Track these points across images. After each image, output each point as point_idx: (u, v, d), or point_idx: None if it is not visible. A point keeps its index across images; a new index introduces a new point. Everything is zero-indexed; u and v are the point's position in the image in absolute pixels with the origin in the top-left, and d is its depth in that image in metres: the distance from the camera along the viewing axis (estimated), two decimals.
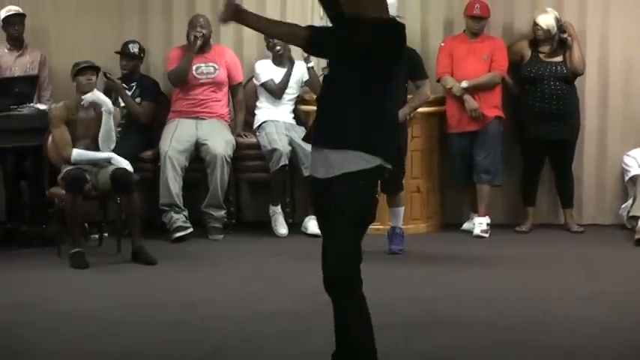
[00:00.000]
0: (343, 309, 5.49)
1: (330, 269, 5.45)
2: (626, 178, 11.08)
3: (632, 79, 11.44)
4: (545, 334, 7.32)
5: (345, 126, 5.53)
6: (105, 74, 10.39)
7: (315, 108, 10.50)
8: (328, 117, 5.63)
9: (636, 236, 10.36)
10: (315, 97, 11.00)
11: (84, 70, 9.80)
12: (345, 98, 5.56)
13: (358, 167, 5.49)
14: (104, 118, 9.71)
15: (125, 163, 9.78)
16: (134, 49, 11.01)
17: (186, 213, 10.73)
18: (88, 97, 9.71)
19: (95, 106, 9.73)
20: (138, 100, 10.93)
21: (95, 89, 9.80)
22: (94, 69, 9.88)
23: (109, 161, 9.74)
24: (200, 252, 10.23)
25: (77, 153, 9.65)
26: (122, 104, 10.54)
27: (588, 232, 11.09)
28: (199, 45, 10.79)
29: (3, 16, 11.01)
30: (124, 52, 10.97)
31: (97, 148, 9.74)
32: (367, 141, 5.55)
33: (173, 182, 10.61)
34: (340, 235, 5.49)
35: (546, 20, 10.90)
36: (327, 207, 5.55)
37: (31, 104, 10.60)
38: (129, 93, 10.84)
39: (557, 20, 10.95)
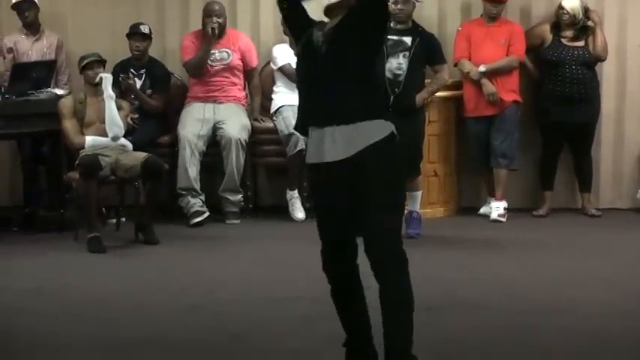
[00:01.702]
0: (395, 292, 5.51)
1: (386, 250, 5.51)
2: None
3: None
4: (561, 319, 7.31)
5: (356, 98, 5.48)
6: (120, 76, 10.47)
7: None
8: (332, 93, 5.52)
9: None
10: None
11: (91, 63, 9.97)
12: (348, 73, 5.50)
13: (385, 133, 5.51)
14: (106, 103, 9.85)
15: (131, 149, 9.98)
16: (145, 29, 11.04)
17: (203, 197, 10.81)
18: (105, 76, 9.93)
19: (102, 88, 9.87)
20: (149, 91, 10.99)
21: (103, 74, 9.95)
22: (101, 62, 10.04)
23: (122, 147, 9.89)
24: (217, 236, 10.30)
25: (91, 140, 9.79)
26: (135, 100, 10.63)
27: (606, 217, 11.13)
28: (216, 35, 10.88)
29: (13, 2, 11.09)
30: (136, 33, 11.00)
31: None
32: (380, 108, 5.64)
33: (191, 166, 10.71)
34: (392, 212, 5.53)
35: (572, 4, 10.92)
36: (357, 187, 5.44)
37: (49, 89, 10.66)
38: (139, 82, 10.92)
39: (583, 5, 11.03)
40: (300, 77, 5.97)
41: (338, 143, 5.45)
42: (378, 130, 5.47)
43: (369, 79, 5.59)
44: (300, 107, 5.82)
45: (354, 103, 5.47)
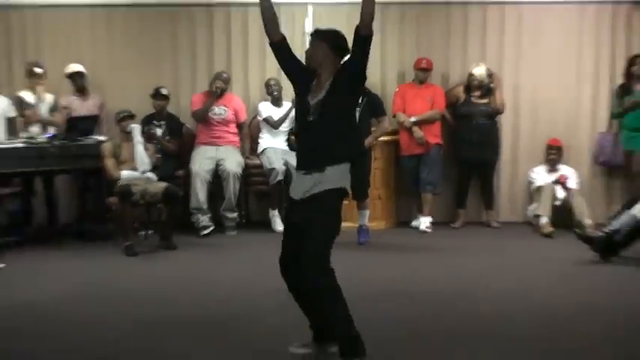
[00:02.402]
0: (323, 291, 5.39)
1: (310, 262, 5.38)
2: (532, 188, 11.20)
3: (537, 117, 11.62)
4: (472, 303, 7.38)
5: (333, 148, 5.49)
6: (146, 127, 10.47)
7: None
8: (316, 149, 5.54)
9: (543, 231, 10.47)
10: None
11: (124, 117, 10.06)
12: (331, 133, 5.49)
13: (337, 185, 5.48)
14: (136, 147, 9.94)
15: (155, 180, 9.98)
16: (164, 91, 11.09)
17: (209, 215, 10.85)
18: (134, 126, 10.01)
19: (132, 135, 9.93)
20: (167, 137, 10.99)
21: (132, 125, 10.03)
22: (131, 116, 10.12)
23: (148, 178, 9.93)
24: (219, 244, 10.36)
25: (125, 173, 9.85)
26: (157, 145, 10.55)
27: (504, 228, 11.25)
28: (218, 94, 10.95)
29: (68, 73, 11.15)
30: (157, 94, 11.05)
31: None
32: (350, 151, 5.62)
33: (201, 192, 10.78)
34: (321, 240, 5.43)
35: (480, 72, 11.08)
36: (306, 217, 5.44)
37: (94, 136, 10.68)
38: (160, 131, 10.87)
39: (488, 71, 11.13)
40: (296, 129, 6.05)
41: (302, 186, 5.54)
42: (334, 180, 5.47)
43: (348, 128, 5.59)
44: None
45: (330, 152, 5.50)
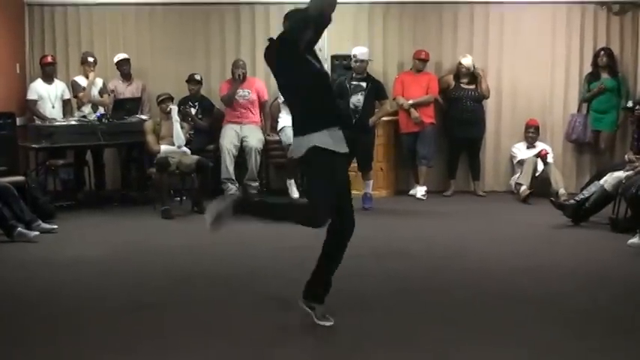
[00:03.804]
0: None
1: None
2: (515, 162, 11.10)
3: (516, 100, 11.51)
4: (462, 261, 7.35)
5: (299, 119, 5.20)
6: (181, 108, 10.40)
7: None
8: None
9: (522, 196, 10.41)
10: None
11: (164, 99, 9.98)
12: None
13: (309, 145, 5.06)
14: (173, 124, 9.84)
15: (189, 153, 9.91)
16: (198, 77, 11.01)
17: (237, 185, 10.73)
18: (173, 107, 9.93)
19: (171, 115, 9.84)
20: (200, 116, 10.90)
21: (172, 106, 9.94)
22: (170, 99, 10.03)
23: (183, 152, 9.83)
24: None
25: (163, 147, 9.78)
26: (191, 122, 10.52)
27: (489, 196, 11.10)
28: (241, 80, 10.79)
29: (115, 61, 11.07)
30: (192, 79, 10.97)
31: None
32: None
33: (229, 164, 10.67)
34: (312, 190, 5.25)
35: (467, 62, 11.01)
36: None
37: (137, 115, 10.66)
38: (194, 111, 10.83)
39: (473, 63, 11.05)
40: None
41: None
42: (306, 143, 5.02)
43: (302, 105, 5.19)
44: None
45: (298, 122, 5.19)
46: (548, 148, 10.97)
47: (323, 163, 5.02)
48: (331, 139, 5.03)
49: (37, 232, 8.38)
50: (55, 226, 8.77)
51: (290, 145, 10.46)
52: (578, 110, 11.32)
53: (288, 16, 5.17)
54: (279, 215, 5.29)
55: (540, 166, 10.71)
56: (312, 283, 5.28)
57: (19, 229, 8.26)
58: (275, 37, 5.15)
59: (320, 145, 4.99)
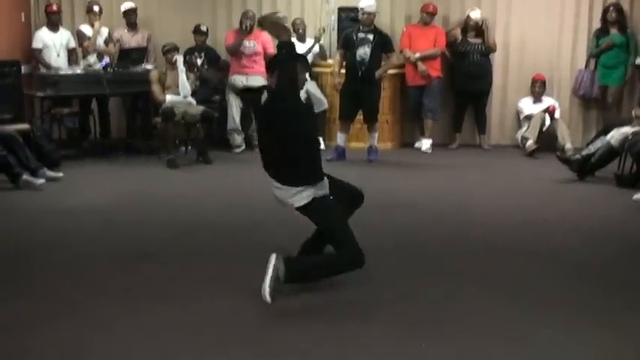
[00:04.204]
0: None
1: None
2: (521, 116, 10.99)
3: (524, 54, 11.37)
4: (467, 214, 7.35)
5: None
6: (187, 57, 10.33)
7: (322, 70, 10.47)
8: None
9: (528, 150, 10.34)
10: (322, 62, 11.08)
11: (170, 50, 9.89)
12: None
13: None
14: (179, 74, 9.77)
15: (194, 104, 9.82)
16: (204, 28, 10.91)
17: (243, 135, 10.69)
18: (179, 57, 9.85)
19: (177, 65, 9.78)
20: (206, 67, 10.80)
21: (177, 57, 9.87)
22: (176, 49, 9.94)
23: (188, 102, 9.75)
24: (249, 159, 9.96)
25: (169, 97, 9.69)
26: (197, 72, 10.41)
27: (494, 150, 11.02)
28: (247, 31, 10.68)
29: (122, 10, 10.96)
30: (198, 30, 10.88)
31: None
32: None
33: (236, 115, 10.60)
34: None
35: (476, 15, 10.89)
36: None
37: (142, 65, 10.58)
38: (200, 61, 10.71)
39: (481, 16, 10.93)
40: None
41: None
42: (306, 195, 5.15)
43: None
44: None
45: None
46: (556, 104, 10.86)
47: (328, 207, 5.11)
48: (324, 186, 5.15)
49: (42, 180, 8.37)
50: (60, 174, 8.75)
51: None
52: (586, 66, 11.19)
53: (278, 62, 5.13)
54: (327, 273, 5.12)
55: (548, 121, 10.62)
56: (302, 262, 5.21)
57: (25, 176, 8.25)
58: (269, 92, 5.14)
59: (319, 196, 5.08)
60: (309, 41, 10.96)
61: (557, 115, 10.65)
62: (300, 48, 10.91)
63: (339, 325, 4.55)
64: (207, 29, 10.97)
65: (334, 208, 5.14)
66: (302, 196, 5.08)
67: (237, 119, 10.64)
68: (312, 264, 5.13)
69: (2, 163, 8.20)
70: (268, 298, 4.78)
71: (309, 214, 5.13)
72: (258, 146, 5.38)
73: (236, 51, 10.66)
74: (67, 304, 4.86)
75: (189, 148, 10.30)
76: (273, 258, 4.90)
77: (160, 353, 4.18)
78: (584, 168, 8.86)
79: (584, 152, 8.98)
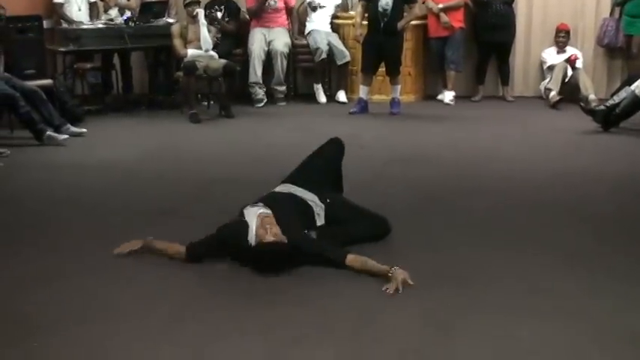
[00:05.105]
0: None
1: None
2: (545, 67, 10.85)
3: (548, 4, 11.14)
4: (490, 166, 7.30)
5: None
6: (208, 10, 10.28)
7: (344, 22, 10.37)
8: None
9: (551, 101, 10.24)
10: (343, 13, 10.99)
11: (190, 3, 9.80)
12: None
13: None
14: (200, 28, 9.68)
15: (216, 57, 9.77)
16: None
17: (265, 89, 10.64)
18: (200, 10, 9.77)
19: (198, 18, 9.69)
20: (227, 20, 10.70)
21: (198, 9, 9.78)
22: (197, 2, 9.85)
23: (210, 56, 9.70)
24: (271, 113, 10.16)
25: (191, 51, 9.63)
26: (218, 26, 10.34)
27: (518, 101, 10.89)
28: None
29: None
30: None
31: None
32: None
33: (258, 68, 10.52)
34: None
35: None
36: None
37: (164, 19, 10.51)
38: (220, 14, 10.59)
39: None
40: None
41: None
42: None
43: None
44: None
45: None
46: (579, 54, 10.73)
47: (336, 199, 5.17)
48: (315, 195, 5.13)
49: (66, 136, 8.40)
50: (84, 130, 8.77)
51: (318, 48, 10.43)
52: (611, 14, 10.98)
53: None
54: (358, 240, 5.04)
55: (570, 71, 10.50)
56: None
57: (49, 132, 8.28)
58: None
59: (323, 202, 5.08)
60: None
61: (578, 64, 10.52)
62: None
63: (352, 279, 4.51)
64: None
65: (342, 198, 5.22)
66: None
67: (259, 72, 10.55)
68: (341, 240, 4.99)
69: (26, 119, 8.24)
70: None
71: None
72: None
73: (256, 13, 10.60)
74: (90, 259, 4.87)
75: (212, 102, 10.27)
76: None
77: (183, 305, 4.18)
78: (609, 119, 8.74)
79: (609, 103, 8.86)
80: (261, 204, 4.88)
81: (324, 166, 5.42)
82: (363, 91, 9.96)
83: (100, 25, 10.16)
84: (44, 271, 4.68)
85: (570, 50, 10.79)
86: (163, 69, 10.96)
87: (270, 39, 10.62)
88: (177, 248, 4.79)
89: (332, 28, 10.97)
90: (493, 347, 3.68)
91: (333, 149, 5.49)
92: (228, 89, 9.90)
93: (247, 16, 10.87)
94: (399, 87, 10.01)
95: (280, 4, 10.75)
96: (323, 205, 5.05)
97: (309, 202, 5.04)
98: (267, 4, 10.58)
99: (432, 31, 10.83)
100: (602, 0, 11.12)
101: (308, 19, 10.95)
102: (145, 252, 4.83)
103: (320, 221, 5.00)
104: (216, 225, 4.86)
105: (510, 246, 5.07)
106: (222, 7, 10.76)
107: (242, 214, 4.83)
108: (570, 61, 10.46)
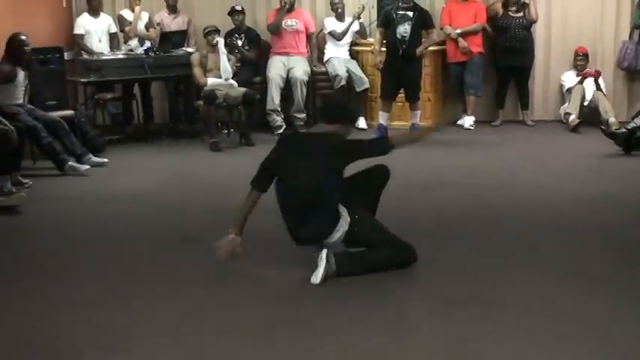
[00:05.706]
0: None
1: None
2: (564, 90, 10.87)
3: (567, 27, 11.19)
4: (511, 191, 7.32)
5: None
6: (228, 39, 10.36)
7: (362, 48, 10.44)
8: None
9: (571, 125, 10.22)
10: (362, 40, 11.05)
11: (210, 32, 9.89)
12: None
13: None
14: (220, 57, 9.73)
15: (236, 86, 9.81)
16: (238, 7, 10.82)
17: (282, 116, 10.67)
18: (220, 39, 9.84)
19: (218, 47, 9.75)
20: (247, 48, 10.77)
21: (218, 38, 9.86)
22: (217, 31, 9.95)
23: (230, 85, 9.74)
24: None
25: (210, 80, 9.70)
26: (238, 54, 10.44)
27: (538, 126, 10.86)
28: (287, 9, 10.65)
29: None
30: (233, 11, 10.81)
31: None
32: None
33: (275, 96, 10.55)
34: None
35: None
36: None
37: (183, 48, 10.59)
38: (240, 42, 10.68)
39: None
40: None
41: None
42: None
43: None
44: None
45: None
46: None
47: (365, 217, 5.19)
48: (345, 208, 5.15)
49: (88, 166, 8.46)
50: (106, 160, 8.84)
51: (337, 75, 10.47)
52: (630, 37, 10.99)
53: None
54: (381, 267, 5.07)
55: (589, 92, 10.49)
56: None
57: (71, 162, 8.35)
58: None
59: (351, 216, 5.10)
60: (348, 19, 10.92)
61: (601, 81, 10.54)
62: (339, 26, 10.91)
63: (377, 303, 4.54)
64: (242, 8, 10.90)
65: (368, 216, 5.22)
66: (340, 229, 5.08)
67: (277, 100, 10.59)
68: (362, 260, 5.07)
69: (49, 150, 8.31)
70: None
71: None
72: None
73: (278, 29, 10.67)
74: (115, 288, 4.91)
75: (232, 130, 10.31)
76: (324, 254, 4.92)
77: (207, 336, 4.20)
78: (630, 142, 8.74)
79: (630, 126, 8.87)
80: None
81: (365, 190, 5.41)
82: (382, 118, 9.98)
83: (121, 56, 10.25)
84: (68, 301, 4.71)
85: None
86: (183, 98, 11.05)
87: (289, 67, 10.68)
88: (249, 200, 5.39)
89: (350, 55, 11.02)
90: None
91: (381, 177, 5.51)
92: (248, 117, 9.97)
93: (270, 37, 10.91)
94: (418, 112, 10.03)
95: (300, 26, 10.81)
96: (349, 219, 5.08)
97: (340, 211, 5.10)
98: (284, 20, 10.63)
99: (450, 56, 10.87)
100: (621, 23, 11.14)
101: (326, 46, 11.02)
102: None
103: (335, 238, 5.07)
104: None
105: (534, 271, 5.07)
106: (242, 35, 10.85)
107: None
108: (592, 75, 10.50)
